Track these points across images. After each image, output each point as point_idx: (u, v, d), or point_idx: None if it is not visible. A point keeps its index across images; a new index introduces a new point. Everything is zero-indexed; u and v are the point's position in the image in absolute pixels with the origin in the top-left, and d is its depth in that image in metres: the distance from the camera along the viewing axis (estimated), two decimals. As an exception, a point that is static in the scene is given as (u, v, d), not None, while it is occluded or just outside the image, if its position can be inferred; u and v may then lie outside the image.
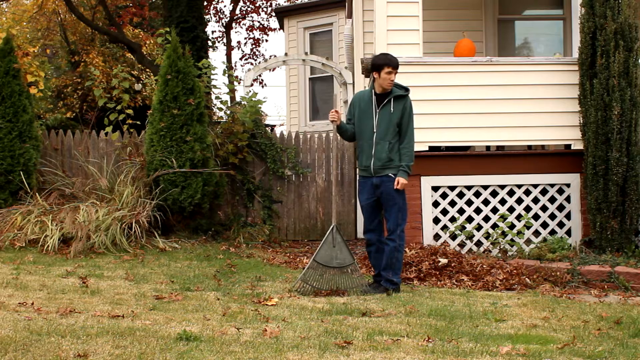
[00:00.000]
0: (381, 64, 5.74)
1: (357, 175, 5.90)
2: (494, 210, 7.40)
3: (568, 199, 7.40)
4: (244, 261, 7.25)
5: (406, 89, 5.86)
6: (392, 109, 5.74)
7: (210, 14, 22.35)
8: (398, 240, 5.73)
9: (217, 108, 12.74)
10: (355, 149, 9.86)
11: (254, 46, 23.30)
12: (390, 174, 5.71)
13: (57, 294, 5.19)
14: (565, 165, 7.40)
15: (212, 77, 9.86)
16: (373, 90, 5.84)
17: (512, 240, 7.27)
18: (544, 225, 7.43)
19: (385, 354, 3.78)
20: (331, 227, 5.75)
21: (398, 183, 5.67)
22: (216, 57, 45.90)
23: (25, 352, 3.51)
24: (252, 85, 11.28)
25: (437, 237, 7.36)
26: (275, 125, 21.22)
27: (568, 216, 7.40)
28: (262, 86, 23.36)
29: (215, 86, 9.93)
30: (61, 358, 3.45)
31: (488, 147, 8.25)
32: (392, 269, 5.76)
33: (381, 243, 5.85)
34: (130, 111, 9.26)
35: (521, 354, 3.84)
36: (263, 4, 22.54)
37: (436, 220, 7.37)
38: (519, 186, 7.39)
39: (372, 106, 5.78)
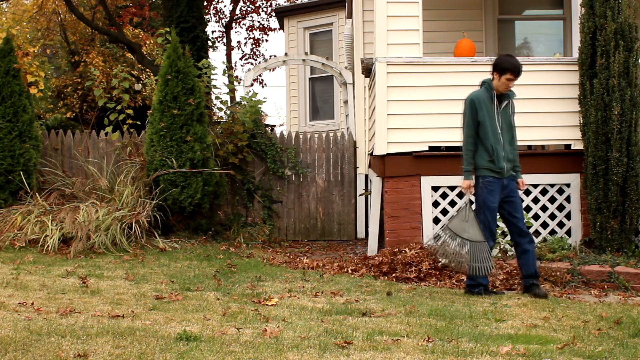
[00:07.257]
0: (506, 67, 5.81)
1: (482, 176, 5.78)
2: (494, 210, 7.39)
3: (568, 199, 7.40)
4: (244, 261, 7.25)
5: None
6: (509, 111, 5.91)
7: (210, 14, 22.33)
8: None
9: (217, 108, 12.75)
10: (355, 149, 9.86)
11: (254, 46, 23.29)
12: (512, 173, 5.91)
13: (57, 294, 5.19)
14: (565, 165, 7.39)
15: (212, 77, 9.86)
16: (493, 92, 5.81)
17: (512, 240, 7.26)
18: (544, 225, 7.42)
19: (385, 354, 3.78)
20: (467, 202, 5.85)
21: (522, 184, 5.97)
22: (216, 57, 45.88)
23: (25, 352, 3.51)
24: (252, 85, 11.28)
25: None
26: (275, 125, 21.21)
27: (568, 216, 7.40)
28: (262, 86, 23.35)
29: (215, 86, 9.94)
30: (61, 358, 3.45)
31: (488, 147, 8.23)
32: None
33: (518, 245, 5.87)
34: (130, 111, 9.26)
35: (521, 354, 3.84)
36: (263, 4, 22.53)
37: (436, 220, 7.36)
38: (519, 186, 7.38)
39: (494, 107, 5.80)
